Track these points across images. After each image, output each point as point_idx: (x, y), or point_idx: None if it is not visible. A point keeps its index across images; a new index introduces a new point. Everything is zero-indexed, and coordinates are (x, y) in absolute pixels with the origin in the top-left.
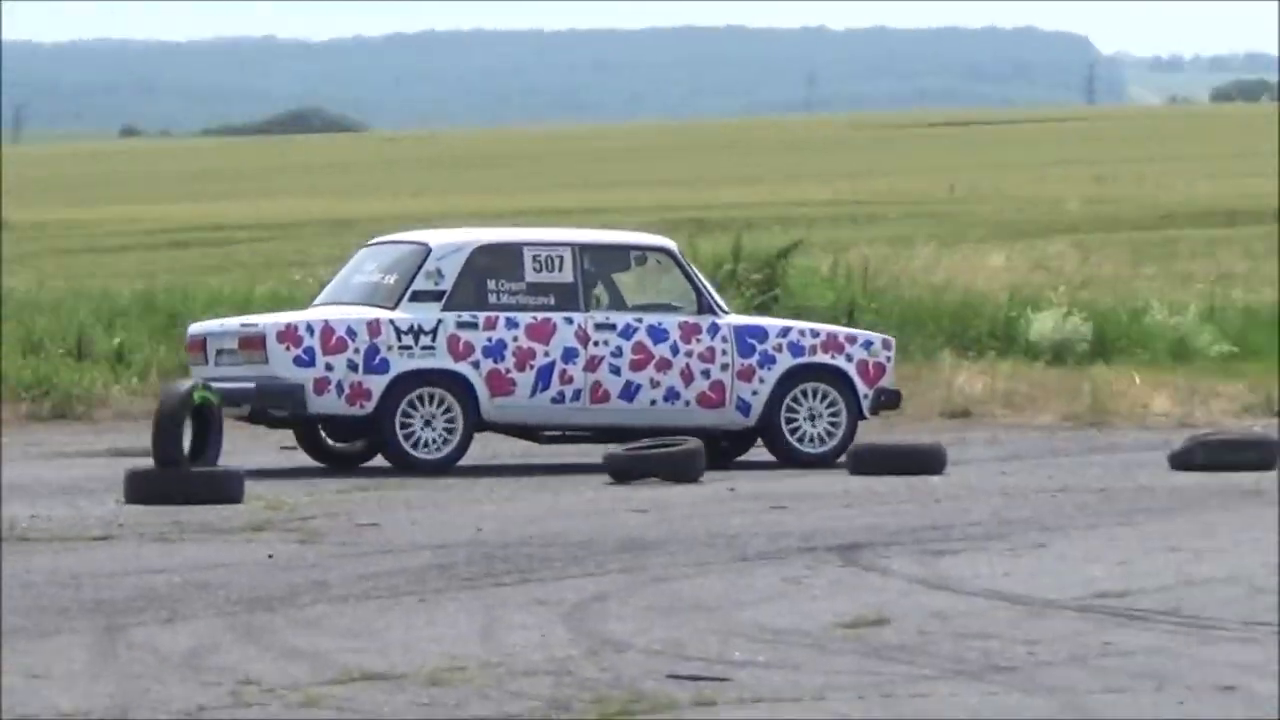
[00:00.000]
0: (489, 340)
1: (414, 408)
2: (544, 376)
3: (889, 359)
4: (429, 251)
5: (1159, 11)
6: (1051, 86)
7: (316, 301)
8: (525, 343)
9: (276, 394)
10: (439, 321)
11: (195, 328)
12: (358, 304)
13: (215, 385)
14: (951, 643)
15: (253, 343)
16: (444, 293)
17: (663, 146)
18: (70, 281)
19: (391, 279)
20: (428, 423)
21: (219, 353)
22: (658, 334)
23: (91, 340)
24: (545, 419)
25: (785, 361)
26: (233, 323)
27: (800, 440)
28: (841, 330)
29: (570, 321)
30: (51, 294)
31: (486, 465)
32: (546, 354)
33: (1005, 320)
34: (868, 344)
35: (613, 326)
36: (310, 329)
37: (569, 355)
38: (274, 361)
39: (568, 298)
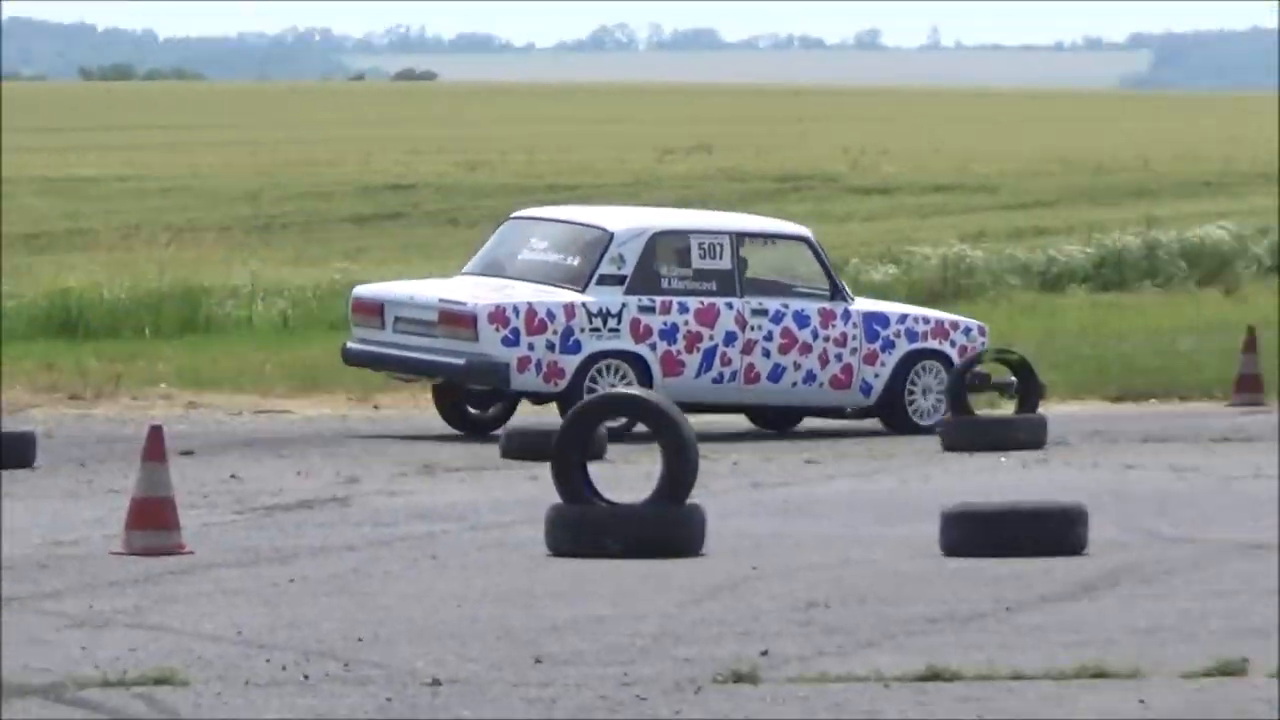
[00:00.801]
0: (664, 324)
1: (594, 383)
2: (708, 358)
3: (983, 344)
4: (612, 237)
5: None
6: None
7: (467, 270)
8: (694, 326)
9: (485, 370)
10: (623, 305)
11: (368, 291)
12: (538, 283)
13: (406, 354)
14: None
15: (461, 320)
16: (625, 277)
17: None
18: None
19: (575, 261)
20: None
21: (398, 320)
22: (801, 319)
23: None
24: (705, 397)
25: (903, 346)
26: (424, 294)
27: (918, 415)
28: (947, 317)
29: (730, 307)
30: None
31: None
32: (711, 337)
33: None
34: (967, 330)
35: (765, 312)
36: (516, 310)
37: (729, 339)
38: (484, 340)
39: (728, 283)
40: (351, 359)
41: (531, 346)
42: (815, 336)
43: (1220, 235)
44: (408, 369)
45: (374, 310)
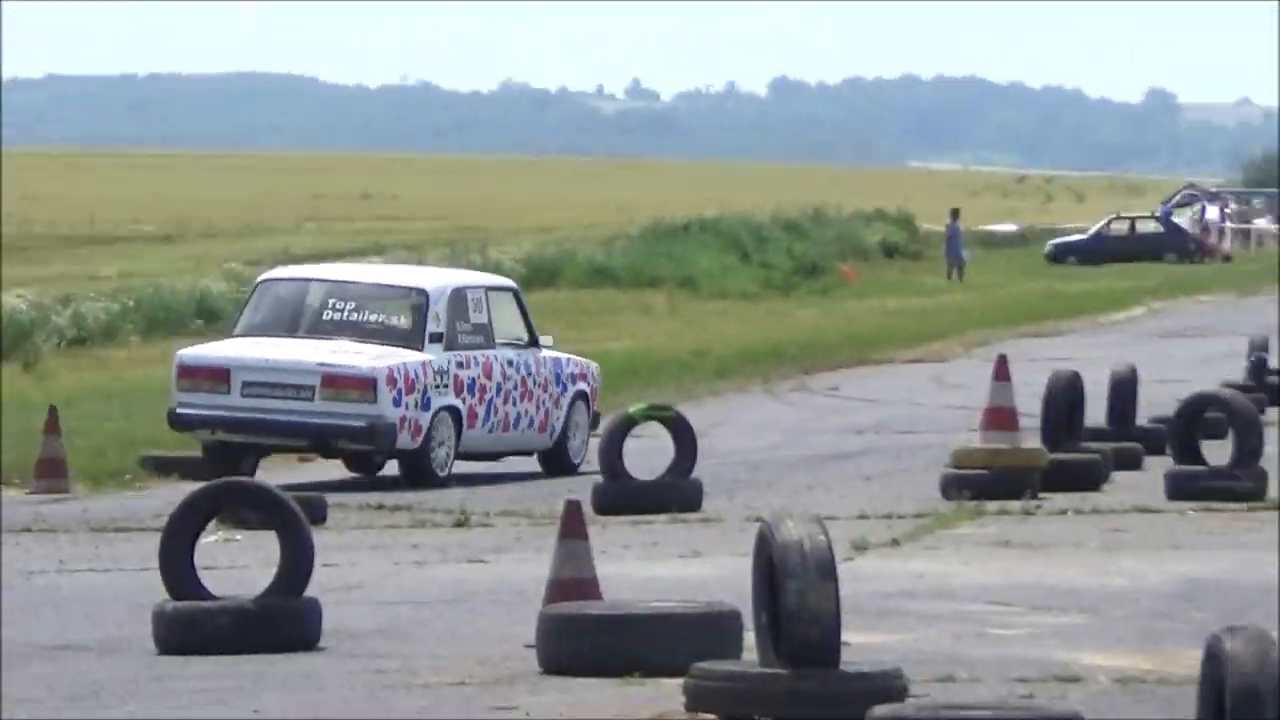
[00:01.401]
0: (468, 378)
1: (430, 439)
2: (489, 408)
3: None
4: (428, 295)
5: None
6: None
7: (240, 332)
8: (482, 379)
9: (383, 431)
10: (448, 361)
11: (199, 354)
12: (365, 341)
13: (270, 417)
14: None
15: (356, 383)
16: (442, 334)
17: None
18: None
19: (402, 320)
20: (441, 445)
21: (249, 384)
22: (526, 367)
23: None
24: (486, 447)
25: (571, 389)
26: (291, 358)
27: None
28: (581, 359)
29: (496, 358)
30: None
31: None
32: (487, 389)
33: None
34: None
35: (511, 362)
36: (400, 372)
37: (498, 389)
38: (381, 402)
39: (489, 336)
40: (185, 424)
41: (407, 406)
42: (534, 383)
43: (15, 304)
44: (276, 432)
45: (212, 375)
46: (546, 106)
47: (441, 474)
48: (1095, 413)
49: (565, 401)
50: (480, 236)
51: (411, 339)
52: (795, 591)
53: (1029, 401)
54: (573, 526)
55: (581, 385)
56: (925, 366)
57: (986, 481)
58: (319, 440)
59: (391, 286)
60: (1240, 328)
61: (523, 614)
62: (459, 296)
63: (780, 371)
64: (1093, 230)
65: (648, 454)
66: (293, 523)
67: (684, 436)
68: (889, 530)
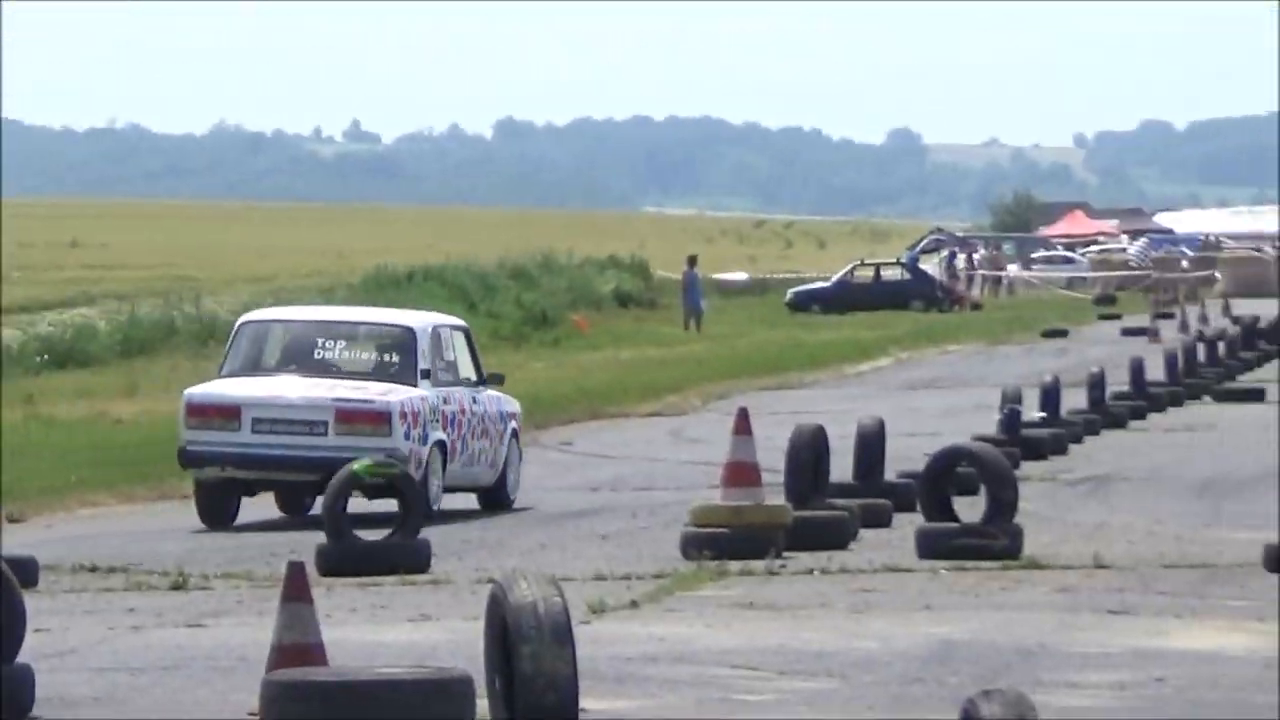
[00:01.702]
0: (450, 413)
1: (428, 472)
2: (463, 444)
3: None
4: (414, 333)
5: None
6: None
7: (228, 372)
8: (459, 415)
9: (400, 463)
10: (438, 397)
11: (206, 392)
12: (362, 379)
13: (283, 453)
14: None
15: (372, 417)
16: (429, 371)
17: None
18: None
19: (394, 357)
20: (434, 477)
21: (260, 421)
22: (484, 404)
23: None
24: (452, 482)
25: (510, 424)
26: (304, 395)
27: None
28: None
29: (465, 395)
30: None
31: None
32: (462, 424)
33: None
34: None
35: (476, 400)
36: (410, 407)
37: (468, 425)
38: (395, 435)
39: (456, 374)
40: (195, 461)
41: (414, 440)
42: (489, 420)
43: None
44: (288, 467)
45: (222, 412)
46: (260, 150)
47: (435, 508)
48: (841, 468)
49: (506, 437)
50: (194, 285)
51: (405, 375)
52: (530, 656)
53: (772, 456)
54: (296, 589)
55: (513, 423)
56: (663, 420)
57: (728, 540)
58: (332, 472)
59: (379, 325)
60: (991, 378)
61: (244, 681)
62: (437, 335)
63: None
64: (836, 277)
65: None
66: (3, 586)
67: (411, 494)
68: (627, 592)
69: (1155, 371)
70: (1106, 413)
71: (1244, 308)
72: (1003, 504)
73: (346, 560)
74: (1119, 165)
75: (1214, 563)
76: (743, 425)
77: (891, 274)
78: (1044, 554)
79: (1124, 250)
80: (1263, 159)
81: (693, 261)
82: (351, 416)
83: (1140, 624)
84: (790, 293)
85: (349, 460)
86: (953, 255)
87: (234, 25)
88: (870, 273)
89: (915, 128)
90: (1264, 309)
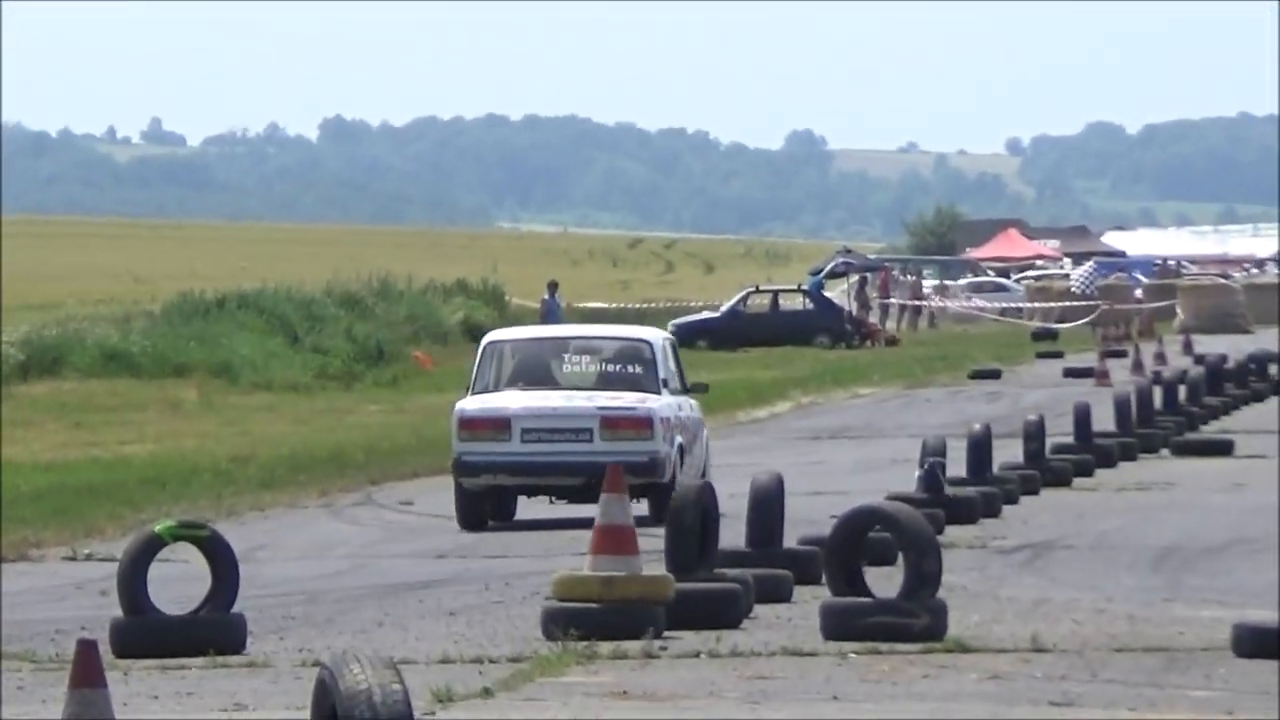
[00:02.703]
0: (681, 420)
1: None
2: (685, 449)
3: None
4: (653, 346)
5: None
6: None
7: (480, 389)
8: (685, 421)
9: (660, 464)
10: (675, 405)
11: (479, 406)
12: (613, 391)
13: (554, 459)
14: None
15: (637, 423)
16: (667, 381)
17: None
18: None
19: (637, 369)
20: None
21: (529, 431)
22: (691, 411)
23: None
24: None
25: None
26: (568, 406)
27: None
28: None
29: (684, 404)
30: None
31: None
32: (686, 430)
33: None
34: None
35: (686, 407)
36: (663, 412)
37: (686, 431)
38: (656, 438)
39: (676, 383)
40: (470, 470)
41: (670, 444)
42: (695, 425)
43: None
44: (556, 472)
45: (493, 425)
46: (44, 152)
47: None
48: (733, 532)
49: (705, 443)
50: None
51: (649, 385)
52: None
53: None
54: (87, 673)
55: (704, 429)
56: None
57: (598, 617)
58: (598, 476)
59: (619, 339)
60: (910, 427)
61: None
62: (665, 347)
63: (341, 482)
64: (726, 307)
65: (178, 583)
66: None
67: (222, 562)
68: (479, 677)
69: (1104, 420)
70: (1046, 468)
71: (1208, 345)
72: (924, 575)
73: (147, 638)
74: (1060, 175)
75: (1173, 646)
76: (615, 481)
77: (792, 303)
78: (972, 635)
79: (1066, 276)
80: (1230, 169)
81: (554, 288)
82: (616, 423)
83: (1087, 718)
84: (671, 325)
85: (630, 461)
86: (863, 281)
87: (14, 5)
88: (766, 301)
89: (819, 130)
90: (1231, 346)
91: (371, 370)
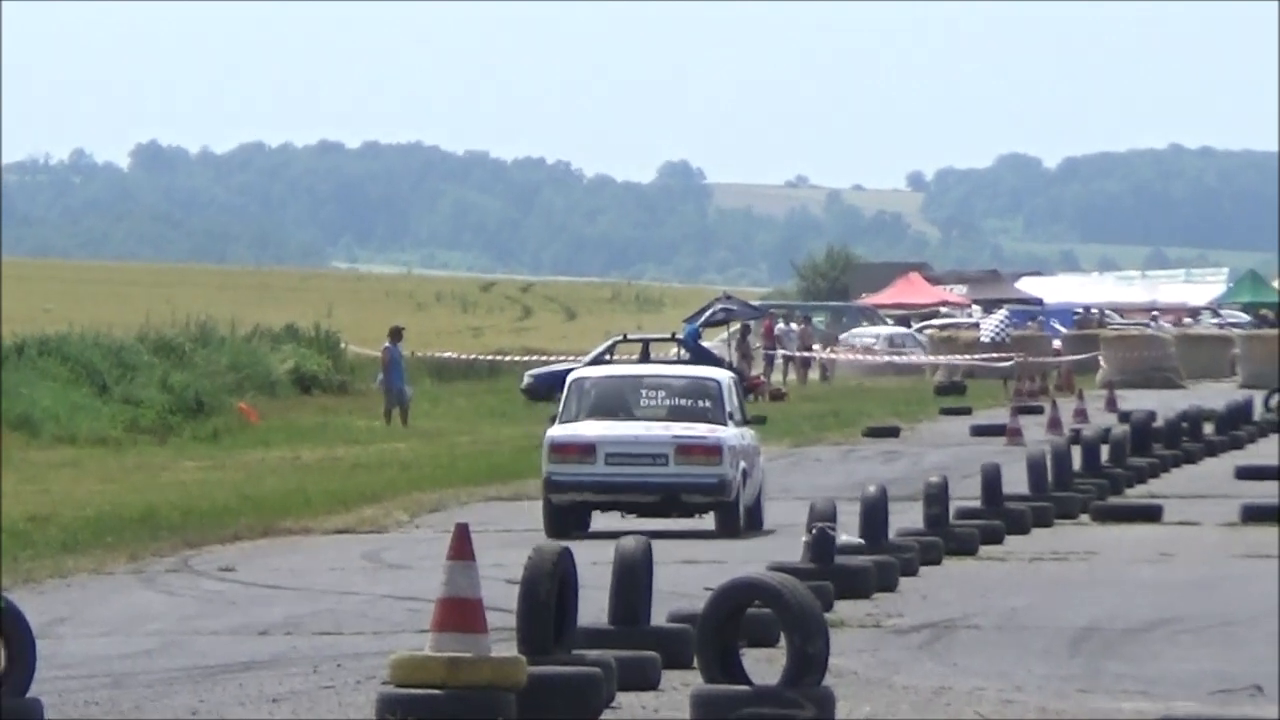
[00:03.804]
0: (744, 448)
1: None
2: (747, 475)
3: None
4: (720, 383)
5: None
6: None
7: (564, 419)
8: (748, 449)
9: (728, 485)
10: (740, 435)
11: (569, 434)
12: (684, 422)
13: (636, 479)
14: None
15: (710, 449)
16: (733, 414)
17: None
18: None
19: (706, 403)
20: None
21: (612, 455)
22: (751, 441)
23: None
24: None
25: None
26: (649, 434)
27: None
28: None
29: (749, 434)
30: None
31: None
32: (750, 457)
33: None
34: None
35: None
36: (730, 441)
37: (748, 457)
38: (725, 464)
39: (739, 416)
40: (559, 489)
41: (735, 469)
42: (755, 454)
43: None
44: (635, 491)
45: (580, 450)
46: None
47: (741, 524)
48: (592, 607)
49: (760, 469)
50: None
51: (718, 417)
52: None
53: (501, 591)
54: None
55: (760, 456)
56: (356, 540)
57: (442, 704)
58: (671, 495)
59: (692, 378)
60: (797, 489)
61: None
62: (730, 385)
63: (154, 545)
64: (590, 357)
65: None
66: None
67: (17, 638)
68: None
69: (1016, 482)
70: (950, 535)
71: (1135, 401)
72: (809, 659)
73: None
74: (968, 214)
75: None
76: (462, 547)
77: (664, 353)
78: None
79: (975, 325)
80: (1159, 207)
81: (397, 335)
82: (690, 450)
83: None
84: (528, 376)
85: (689, 485)
86: (746, 330)
87: None
88: (636, 351)
89: (696, 162)
90: (1161, 403)
91: (189, 423)
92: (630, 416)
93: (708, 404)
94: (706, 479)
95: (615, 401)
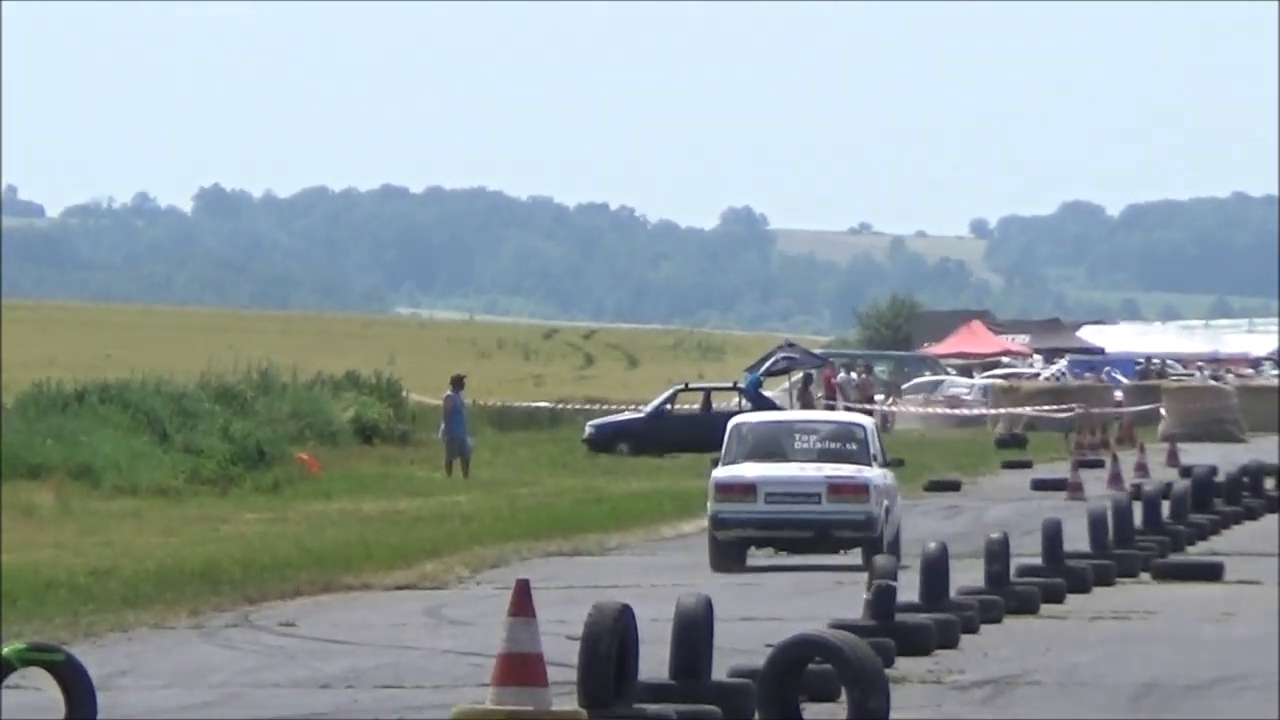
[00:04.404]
0: (886, 487)
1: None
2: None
3: None
4: (865, 428)
5: None
6: None
7: (728, 460)
8: (889, 488)
9: (873, 522)
10: (884, 475)
11: (732, 475)
12: (833, 463)
13: (792, 516)
14: None
15: (858, 489)
16: (877, 456)
17: None
18: None
19: (853, 446)
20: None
21: (771, 495)
22: (889, 480)
23: None
24: None
25: None
26: (804, 475)
27: None
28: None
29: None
30: None
31: None
32: (891, 495)
33: None
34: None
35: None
36: (876, 482)
37: (889, 495)
38: (872, 502)
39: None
40: (725, 525)
41: (880, 506)
42: (894, 493)
43: None
44: (791, 527)
45: (743, 489)
46: None
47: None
48: (654, 662)
49: (898, 505)
50: None
51: (864, 459)
52: None
53: (562, 646)
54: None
55: (899, 494)
56: (417, 595)
57: None
58: (824, 531)
59: (839, 423)
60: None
61: None
62: (872, 429)
63: (214, 600)
64: (652, 406)
65: (29, 712)
66: None
67: (78, 689)
68: None
69: (1077, 538)
70: (1010, 593)
71: (1196, 455)
72: (870, 714)
73: None
74: (1031, 262)
75: None
76: (523, 603)
77: (726, 403)
78: None
79: (1037, 375)
80: (1222, 256)
81: (459, 383)
82: (841, 489)
83: None
84: (589, 426)
85: (839, 521)
86: (808, 379)
87: None
88: (697, 401)
89: (759, 208)
90: (1222, 457)
91: (250, 473)
92: (785, 458)
93: (854, 447)
94: (855, 516)
95: (771, 445)
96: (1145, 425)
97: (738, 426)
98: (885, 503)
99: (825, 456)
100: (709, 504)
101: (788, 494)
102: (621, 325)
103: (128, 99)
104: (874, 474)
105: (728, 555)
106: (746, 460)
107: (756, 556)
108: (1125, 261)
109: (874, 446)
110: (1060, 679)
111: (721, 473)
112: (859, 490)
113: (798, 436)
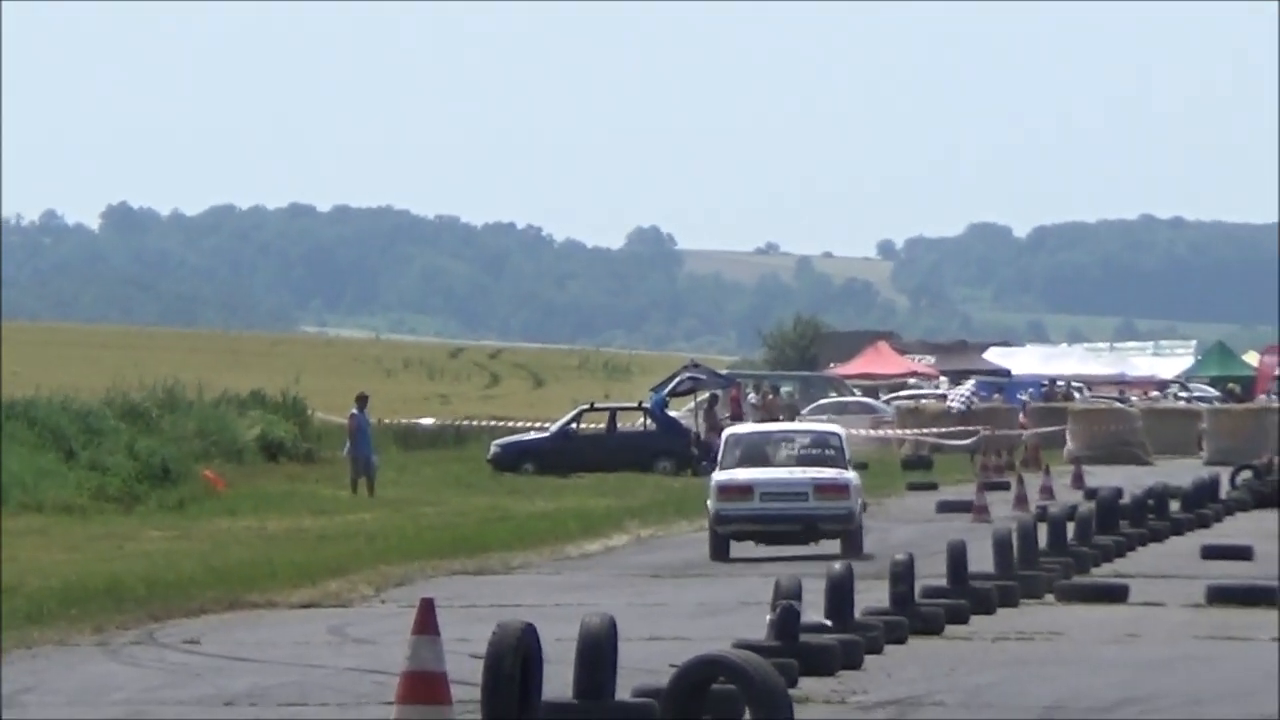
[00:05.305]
0: (857, 487)
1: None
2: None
3: None
4: (840, 436)
5: None
6: None
7: (725, 466)
8: (859, 489)
9: (853, 517)
10: (853, 476)
11: (731, 477)
12: (816, 467)
13: (784, 512)
14: None
15: (840, 489)
16: (849, 459)
17: None
18: None
19: (829, 451)
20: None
21: (765, 494)
22: (855, 481)
23: None
24: None
25: None
26: (793, 477)
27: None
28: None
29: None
30: None
31: None
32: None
33: None
34: None
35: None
36: (854, 482)
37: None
38: (851, 500)
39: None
40: (726, 521)
41: (856, 503)
42: (860, 492)
43: None
44: (782, 522)
45: (741, 490)
46: None
47: (862, 548)
48: (558, 682)
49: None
50: None
51: (841, 463)
52: None
53: (466, 665)
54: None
55: (861, 495)
56: (321, 613)
57: None
58: (810, 525)
59: (818, 432)
60: (762, 566)
61: None
62: (844, 436)
63: (119, 617)
64: (557, 426)
65: None
66: None
67: None
68: None
69: (982, 560)
70: (915, 614)
71: (1101, 477)
72: None
73: None
74: (938, 283)
75: None
76: (427, 622)
77: (631, 423)
78: None
79: (943, 397)
80: (1129, 279)
81: (363, 402)
82: (825, 489)
83: None
84: (495, 445)
85: (824, 517)
86: (714, 399)
87: None
88: (602, 421)
89: (666, 228)
90: (1128, 479)
91: (156, 491)
92: (772, 463)
93: (831, 452)
94: (838, 511)
95: (760, 451)
96: (1051, 448)
97: (733, 437)
98: (860, 499)
99: (807, 461)
100: (710, 503)
101: (779, 493)
102: (528, 345)
103: (35, 116)
104: (851, 475)
105: (724, 548)
106: (740, 465)
107: (739, 549)
108: (1032, 283)
109: (847, 452)
110: (964, 700)
111: (721, 476)
112: (840, 490)
113: (784, 444)
